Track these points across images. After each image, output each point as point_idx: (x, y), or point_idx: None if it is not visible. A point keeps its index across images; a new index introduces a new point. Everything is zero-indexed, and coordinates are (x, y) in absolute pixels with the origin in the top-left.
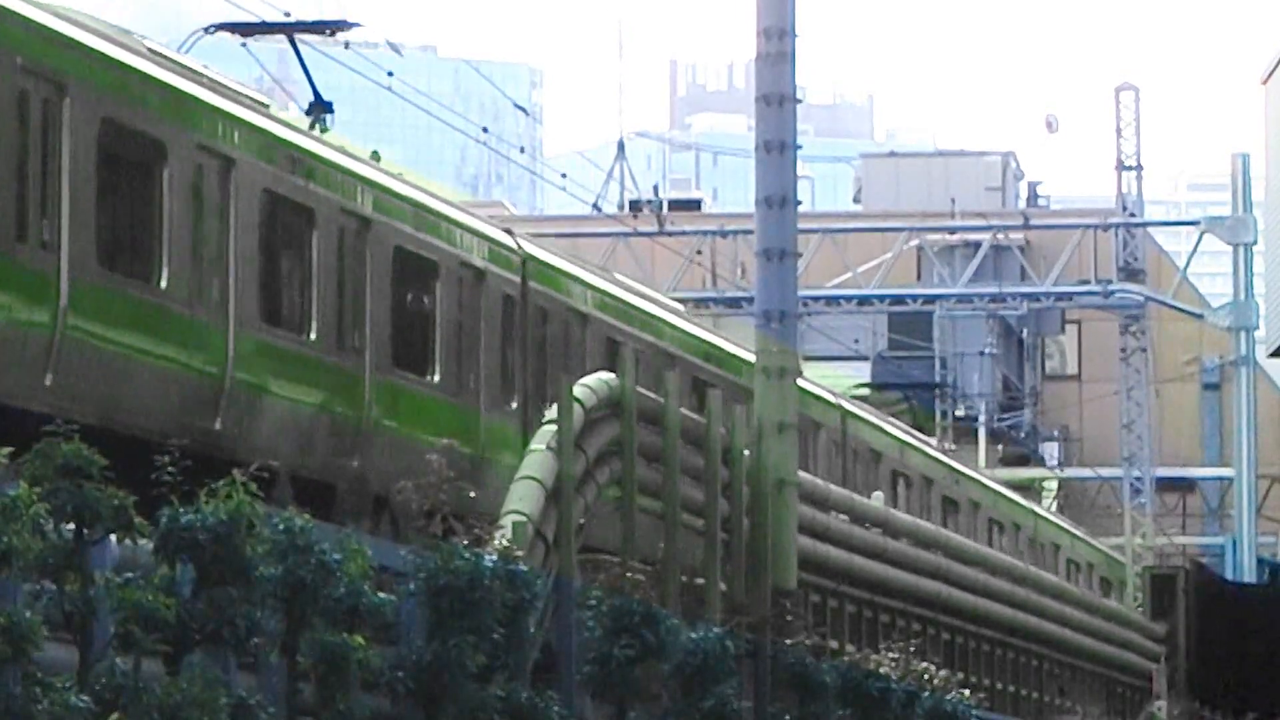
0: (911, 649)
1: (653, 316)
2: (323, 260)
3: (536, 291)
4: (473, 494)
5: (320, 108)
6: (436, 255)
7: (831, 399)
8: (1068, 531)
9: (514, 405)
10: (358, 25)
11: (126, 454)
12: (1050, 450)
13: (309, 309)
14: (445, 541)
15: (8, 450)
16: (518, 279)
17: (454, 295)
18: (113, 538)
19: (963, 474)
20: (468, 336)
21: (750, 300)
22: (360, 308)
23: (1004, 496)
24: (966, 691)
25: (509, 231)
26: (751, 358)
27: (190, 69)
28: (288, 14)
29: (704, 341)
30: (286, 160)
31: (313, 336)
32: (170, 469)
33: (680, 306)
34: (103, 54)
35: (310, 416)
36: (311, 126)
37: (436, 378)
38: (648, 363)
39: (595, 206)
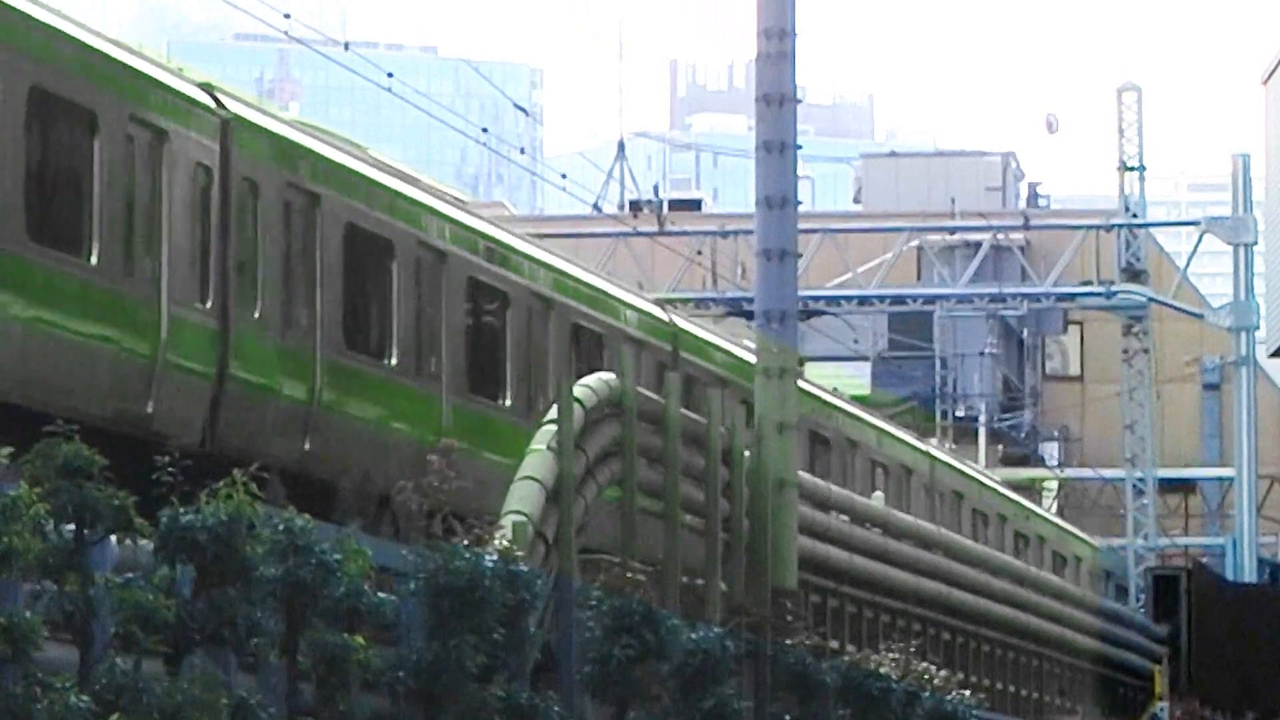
0: (911, 649)
1: (416, 203)
2: None
3: (245, 161)
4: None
5: None
6: (94, 105)
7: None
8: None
9: (209, 304)
10: None
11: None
12: (1050, 450)
13: None
14: (445, 541)
15: (8, 450)
16: (215, 144)
17: (121, 156)
18: (113, 538)
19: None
20: (142, 210)
21: (750, 300)
22: None
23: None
24: (967, 691)
25: (208, 88)
26: (553, 260)
27: None
28: (288, 15)
29: (485, 237)
30: None
31: None
32: (170, 470)
33: (466, 198)
34: None
35: None
36: None
37: (94, 259)
38: (411, 258)
39: (595, 207)
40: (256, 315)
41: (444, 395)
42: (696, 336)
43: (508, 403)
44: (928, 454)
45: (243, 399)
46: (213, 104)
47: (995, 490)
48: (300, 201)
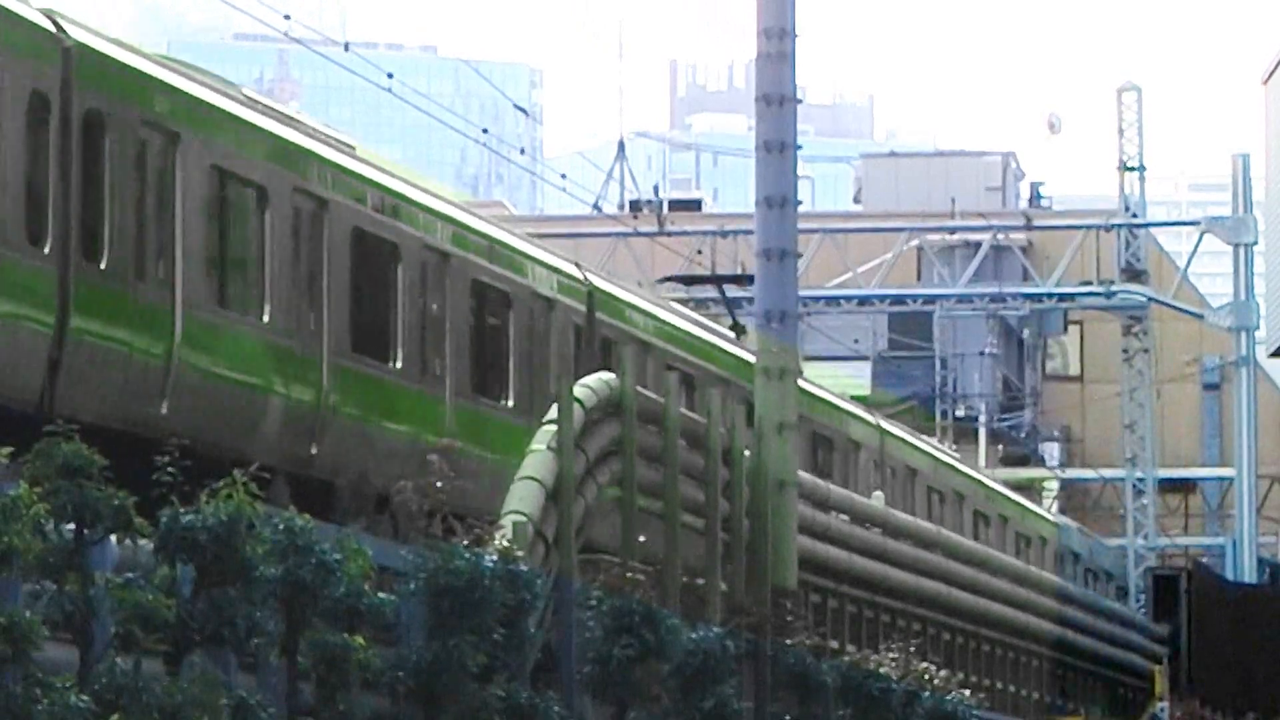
0: (911, 649)
1: (293, 146)
2: None
3: (90, 93)
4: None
5: None
6: None
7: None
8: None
9: (47, 249)
10: None
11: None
12: (1050, 450)
13: None
14: (445, 541)
15: (8, 450)
16: (56, 74)
17: None
18: (113, 538)
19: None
20: None
21: (750, 300)
22: None
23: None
24: (966, 691)
25: (50, 14)
26: (451, 212)
27: None
28: (287, 15)
29: (374, 185)
30: None
31: None
32: (170, 470)
33: (353, 145)
34: None
35: None
36: None
37: None
38: (287, 205)
39: (595, 207)
40: (104, 265)
41: (325, 356)
42: (614, 297)
43: (398, 365)
44: (878, 427)
45: (87, 357)
46: (53, 29)
47: (953, 467)
48: (157, 140)
